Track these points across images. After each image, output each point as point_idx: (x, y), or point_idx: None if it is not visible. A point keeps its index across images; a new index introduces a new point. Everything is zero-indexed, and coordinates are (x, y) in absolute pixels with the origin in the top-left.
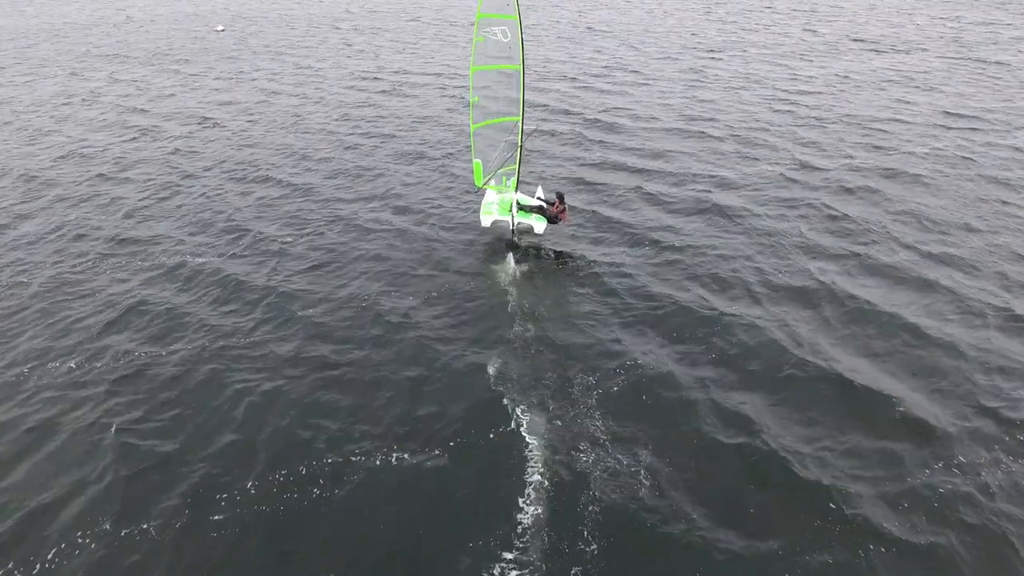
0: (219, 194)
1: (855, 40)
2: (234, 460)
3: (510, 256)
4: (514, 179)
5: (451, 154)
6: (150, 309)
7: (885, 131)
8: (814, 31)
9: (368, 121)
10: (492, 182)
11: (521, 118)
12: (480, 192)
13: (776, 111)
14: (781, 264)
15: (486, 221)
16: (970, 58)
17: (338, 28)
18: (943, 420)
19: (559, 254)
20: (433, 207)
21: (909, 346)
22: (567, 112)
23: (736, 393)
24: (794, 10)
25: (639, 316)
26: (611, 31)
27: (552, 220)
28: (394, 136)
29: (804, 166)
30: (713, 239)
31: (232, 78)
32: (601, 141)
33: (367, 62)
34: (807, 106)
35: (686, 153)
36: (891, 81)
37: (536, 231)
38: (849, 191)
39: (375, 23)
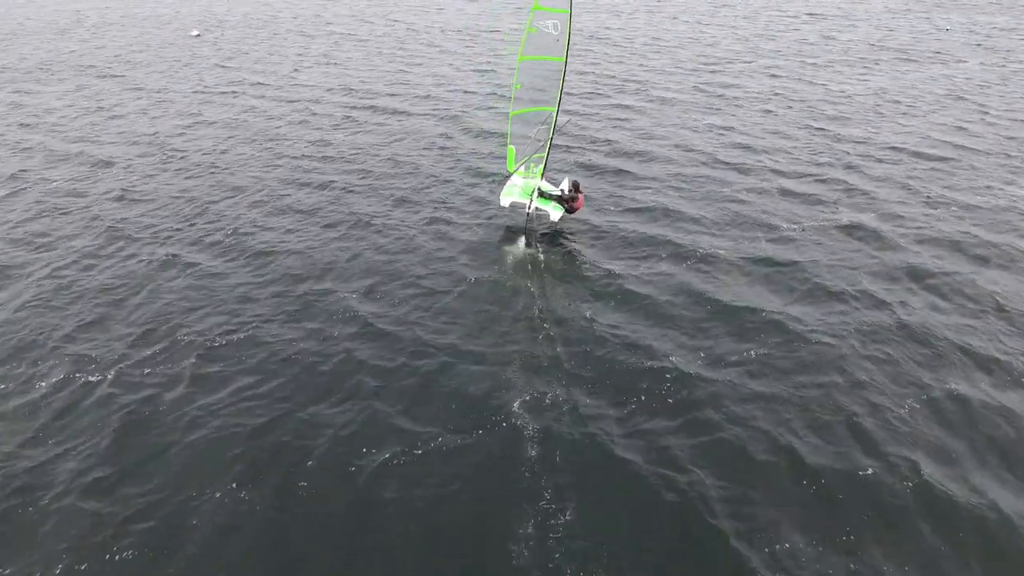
0: (83, 279)
1: (882, 48)
2: None
3: (522, 240)
4: (541, 166)
5: (444, 202)
6: None
7: (954, 171)
8: (834, 38)
9: (337, 154)
10: (521, 168)
11: (557, 108)
12: (521, 178)
13: (817, 140)
14: (898, 420)
15: (505, 201)
16: (1015, 70)
17: (308, 35)
18: None
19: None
20: (417, 290)
21: None
22: (565, 148)
23: None
24: (807, 14)
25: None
26: (613, 39)
27: (569, 210)
28: (370, 173)
29: (872, 233)
30: (784, 363)
31: (166, 100)
32: (611, 195)
33: (345, 74)
34: (854, 137)
35: (720, 208)
36: (939, 100)
37: (552, 218)
38: (944, 276)
39: (360, 29)
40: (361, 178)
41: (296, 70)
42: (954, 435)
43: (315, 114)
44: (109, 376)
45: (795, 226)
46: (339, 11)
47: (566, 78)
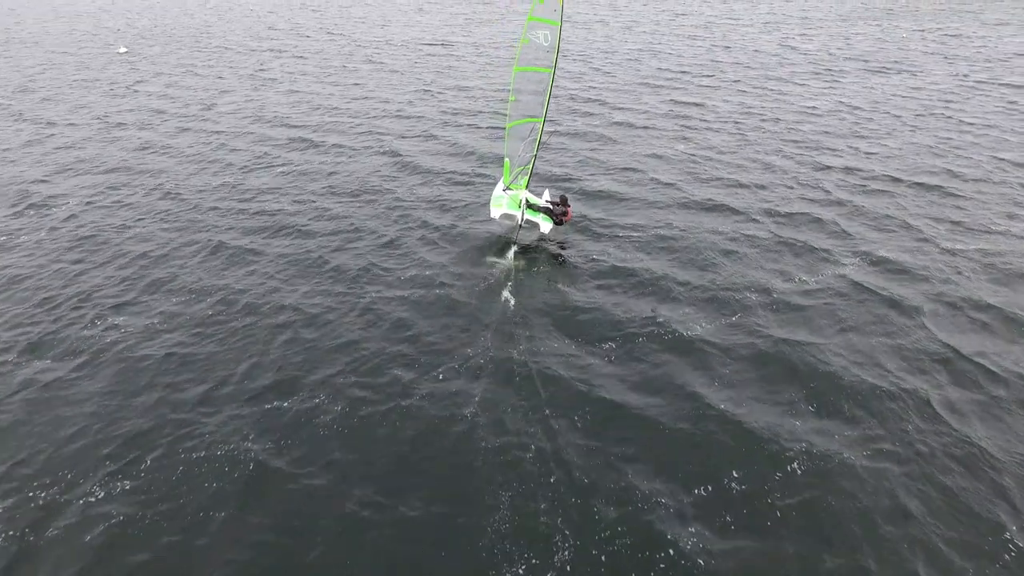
0: None
1: (844, 58)
2: None
3: (511, 253)
4: (526, 178)
5: (373, 268)
6: None
7: (959, 204)
8: (794, 48)
9: (245, 203)
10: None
11: (543, 120)
12: (509, 191)
13: (802, 172)
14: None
15: (495, 213)
16: (979, 79)
17: (239, 52)
18: None
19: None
20: (336, 409)
21: None
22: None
23: None
24: (762, 23)
25: None
26: (569, 52)
27: (557, 222)
28: (284, 229)
29: (887, 295)
30: (825, 509)
31: (53, 134)
32: (586, 254)
33: (272, 99)
34: (840, 165)
35: (712, 268)
36: (917, 117)
37: (542, 230)
38: (984, 359)
39: (297, 44)
40: (272, 235)
41: (222, 92)
42: None
43: (232, 149)
44: None
45: (797, 287)
46: (276, 23)
47: (553, 89)
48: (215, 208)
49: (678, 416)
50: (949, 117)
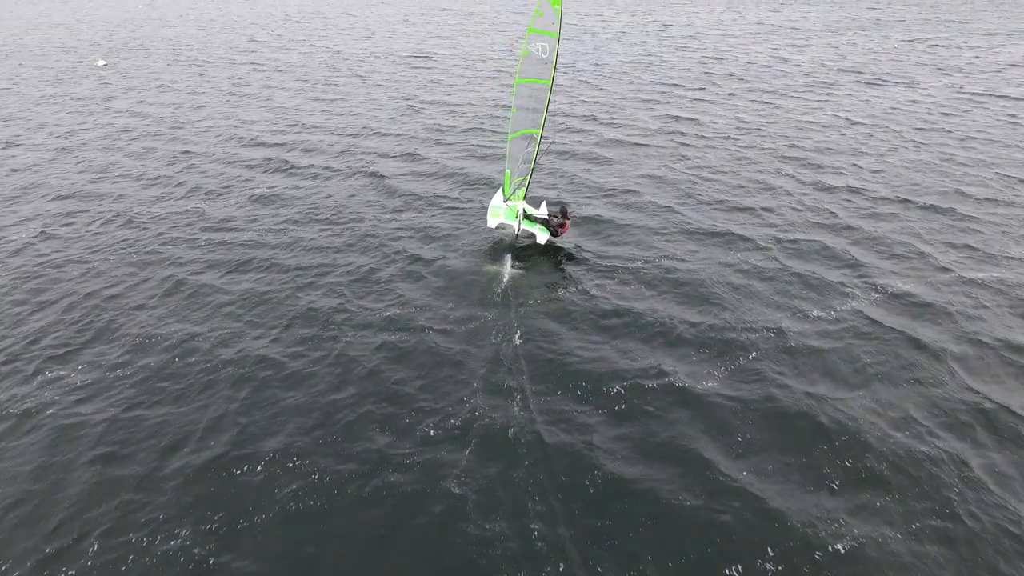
0: None
1: (838, 70)
2: None
3: (508, 261)
4: (523, 190)
5: (340, 310)
6: None
7: (976, 227)
8: (786, 59)
9: (205, 233)
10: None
11: (541, 131)
12: (507, 202)
13: (806, 194)
14: None
15: (492, 223)
16: (975, 91)
17: (216, 64)
18: None
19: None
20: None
21: None
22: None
23: None
24: (751, 33)
25: None
26: (559, 65)
27: (554, 234)
28: (249, 263)
29: (909, 335)
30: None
31: (6, 156)
32: (584, 292)
33: (246, 117)
34: (845, 186)
35: (722, 306)
36: (918, 132)
37: (538, 240)
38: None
39: (277, 58)
40: (239, 269)
41: (196, 107)
42: None
43: (202, 171)
44: None
45: (813, 326)
46: (258, 35)
47: (551, 101)
48: (178, 238)
49: (695, 490)
50: (950, 132)
